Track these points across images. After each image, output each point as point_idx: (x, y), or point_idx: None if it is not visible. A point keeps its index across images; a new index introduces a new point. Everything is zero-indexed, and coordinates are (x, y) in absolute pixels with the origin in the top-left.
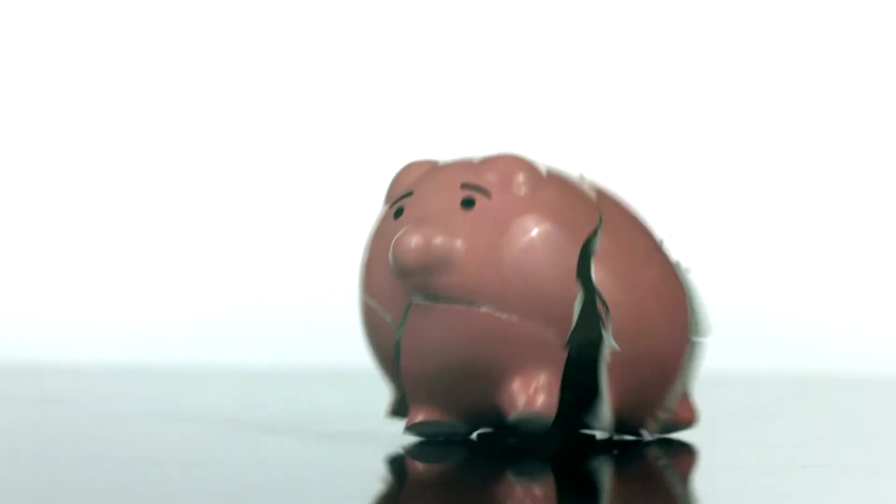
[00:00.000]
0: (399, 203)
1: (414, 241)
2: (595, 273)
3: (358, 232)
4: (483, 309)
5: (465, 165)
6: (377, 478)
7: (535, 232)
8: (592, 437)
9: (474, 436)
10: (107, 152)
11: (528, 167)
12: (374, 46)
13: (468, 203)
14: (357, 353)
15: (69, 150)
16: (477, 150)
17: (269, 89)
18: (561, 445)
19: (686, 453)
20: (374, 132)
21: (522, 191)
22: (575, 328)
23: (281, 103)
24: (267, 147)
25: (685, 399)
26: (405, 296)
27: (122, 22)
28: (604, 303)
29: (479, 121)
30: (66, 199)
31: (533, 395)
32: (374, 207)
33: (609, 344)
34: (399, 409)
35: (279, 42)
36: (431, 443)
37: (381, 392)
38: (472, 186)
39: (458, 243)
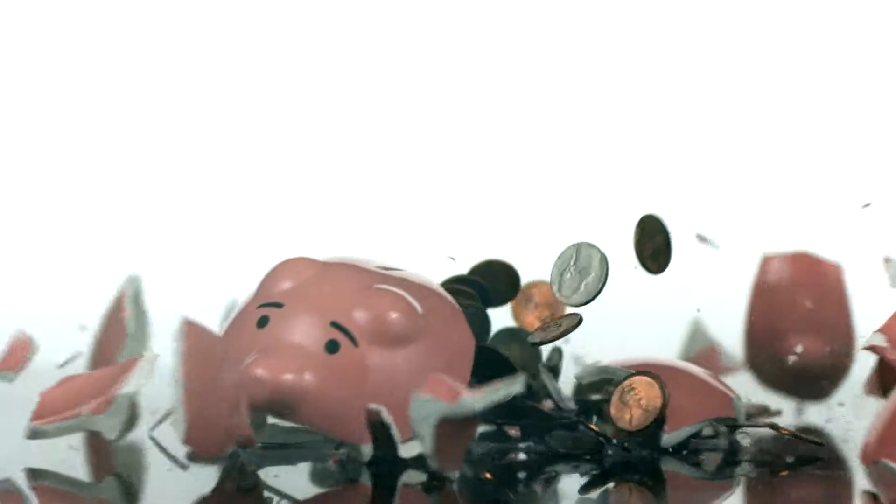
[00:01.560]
0: (266, 311)
1: (266, 375)
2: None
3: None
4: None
5: (345, 292)
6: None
7: (393, 393)
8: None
9: None
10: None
11: (407, 311)
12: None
13: (332, 347)
14: None
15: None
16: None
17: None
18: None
19: None
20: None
21: (393, 343)
22: None
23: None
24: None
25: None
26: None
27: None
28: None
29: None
30: (66, 199)
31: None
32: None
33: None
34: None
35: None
36: None
37: None
38: (341, 328)
39: (310, 387)
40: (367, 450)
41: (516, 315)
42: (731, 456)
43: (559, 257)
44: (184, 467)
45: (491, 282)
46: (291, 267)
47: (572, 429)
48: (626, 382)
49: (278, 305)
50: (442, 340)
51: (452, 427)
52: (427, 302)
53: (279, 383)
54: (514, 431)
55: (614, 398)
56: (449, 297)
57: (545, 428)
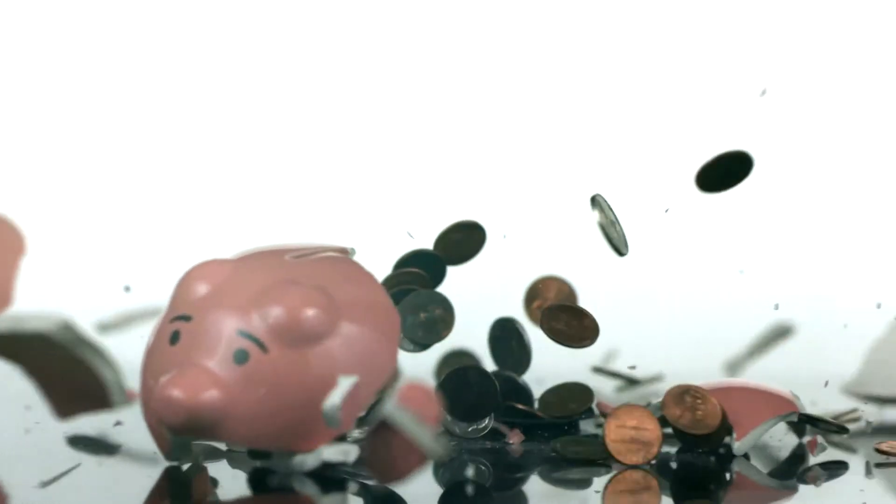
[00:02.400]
0: (177, 325)
1: (179, 397)
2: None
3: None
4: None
5: (252, 294)
6: None
7: (313, 393)
8: None
9: None
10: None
11: (318, 305)
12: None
13: (241, 357)
14: None
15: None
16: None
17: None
18: None
19: None
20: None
21: (306, 341)
22: None
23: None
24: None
25: None
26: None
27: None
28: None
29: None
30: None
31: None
32: None
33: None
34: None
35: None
36: None
37: None
38: (248, 336)
39: (221, 405)
40: (304, 457)
41: (528, 313)
42: (798, 455)
43: (601, 209)
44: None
45: (454, 247)
46: (200, 272)
47: (574, 430)
48: (694, 386)
49: (187, 318)
50: (362, 330)
51: (404, 443)
52: (345, 290)
53: (191, 406)
54: (515, 437)
55: (672, 393)
56: (372, 278)
57: (543, 429)
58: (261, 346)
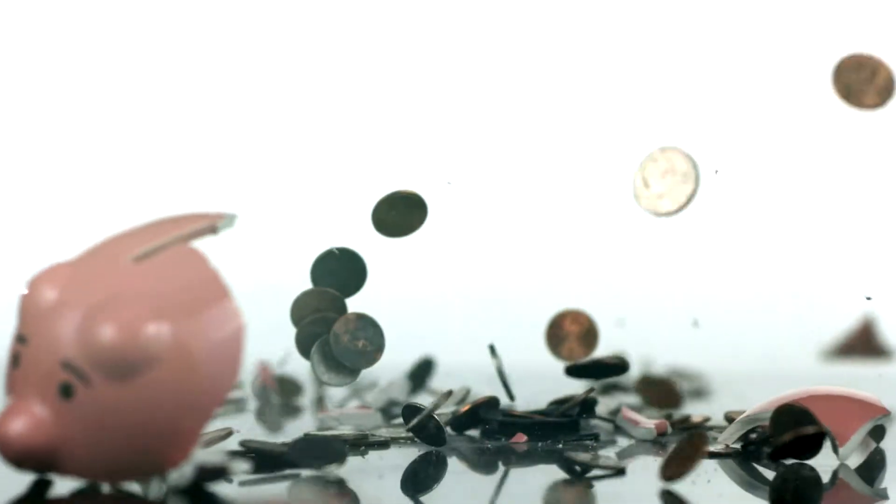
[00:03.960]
0: (17, 347)
1: (5, 437)
2: None
3: None
4: None
5: (83, 312)
6: None
7: (146, 428)
8: None
9: None
10: None
11: (153, 327)
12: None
13: (66, 391)
14: None
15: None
16: None
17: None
18: None
19: None
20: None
21: (133, 371)
22: None
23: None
24: None
25: None
26: None
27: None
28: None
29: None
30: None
31: None
32: None
33: None
34: None
35: None
36: None
37: None
38: (72, 369)
39: (47, 445)
40: (178, 472)
41: (551, 345)
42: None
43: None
44: None
45: (399, 217)
46: (41, 280)
47: (575, 427)
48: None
49: (23, 341)
50: (199, 344)
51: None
52: (182, 298)
53: (15, 450)
54: (520, 438)
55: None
56: (216, 277)
57: (549, 429)
58: (84, 379)
